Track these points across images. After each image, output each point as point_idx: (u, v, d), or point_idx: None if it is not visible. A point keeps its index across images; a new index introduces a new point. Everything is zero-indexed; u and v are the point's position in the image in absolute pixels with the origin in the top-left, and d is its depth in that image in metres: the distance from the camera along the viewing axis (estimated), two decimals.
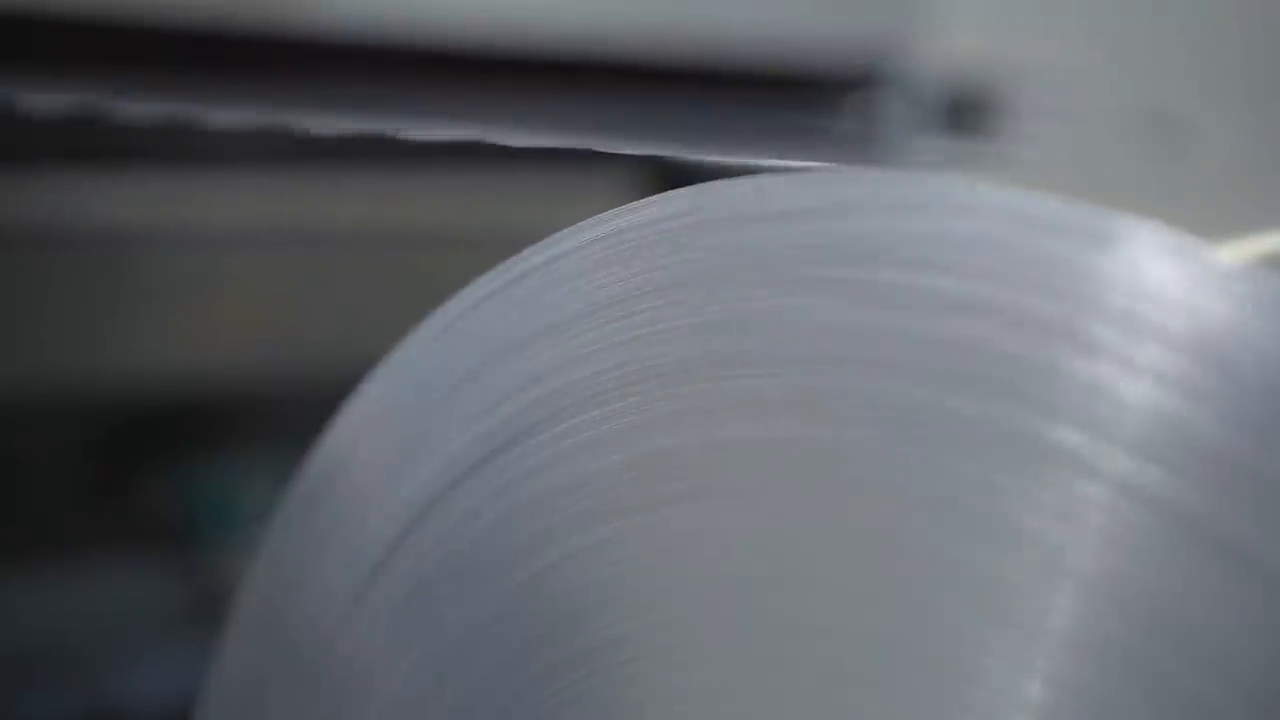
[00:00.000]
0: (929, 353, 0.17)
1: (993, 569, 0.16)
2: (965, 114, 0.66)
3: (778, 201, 0.18)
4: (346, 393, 0.21)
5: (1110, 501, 0.16)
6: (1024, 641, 0.16)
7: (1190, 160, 0.65)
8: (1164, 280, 0.16)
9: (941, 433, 0.17)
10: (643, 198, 0.19)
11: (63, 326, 0.52)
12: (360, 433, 0.21)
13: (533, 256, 0.19)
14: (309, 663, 0.21)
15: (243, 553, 0.54)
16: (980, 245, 0.17)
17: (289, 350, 0.57)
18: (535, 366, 0.19)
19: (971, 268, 0.17)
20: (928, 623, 0.17)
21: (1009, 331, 0.16)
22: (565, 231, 0.19)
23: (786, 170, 0.18)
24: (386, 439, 0.20)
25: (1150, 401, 0.16)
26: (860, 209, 0.17)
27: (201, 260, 0.54)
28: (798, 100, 0.62)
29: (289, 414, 0.54)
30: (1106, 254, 0.16)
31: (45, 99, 0.39)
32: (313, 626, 0.21)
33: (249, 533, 0.54)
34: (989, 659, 0.17)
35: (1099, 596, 0.16)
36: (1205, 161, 0.65)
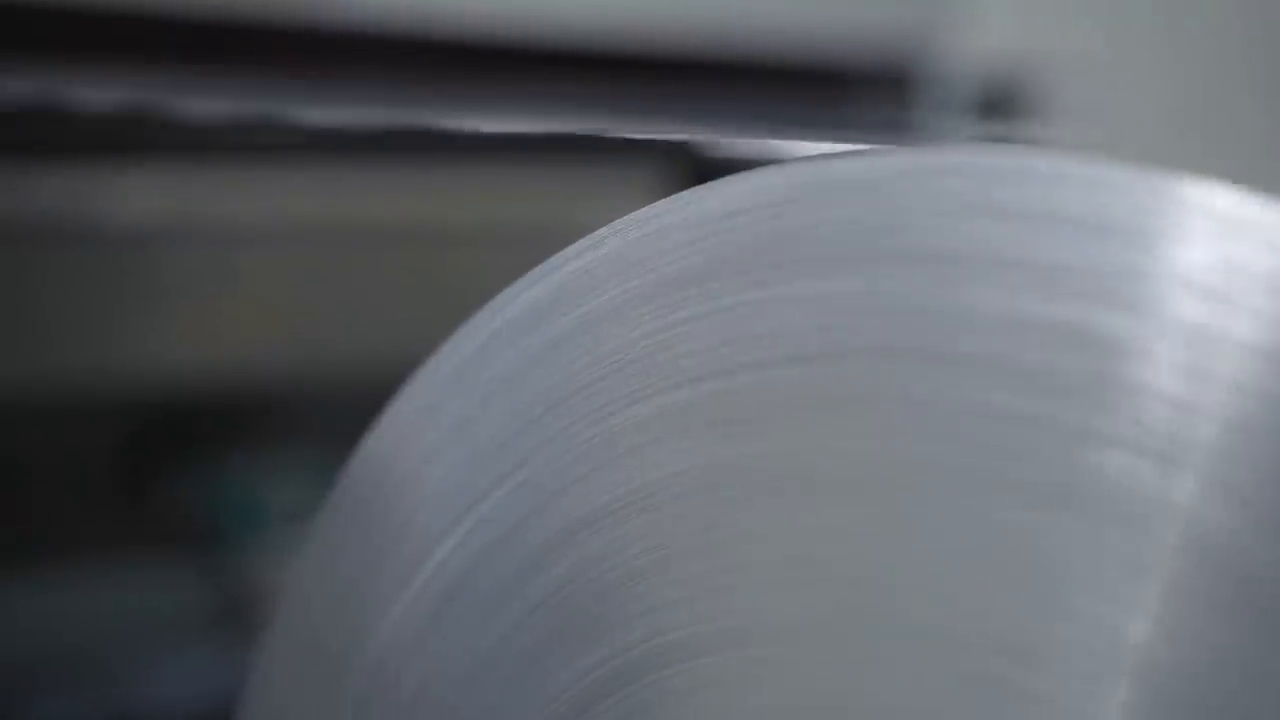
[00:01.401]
0: (985, 336, 0.16)
1: (1068, 569, 0.16)
2: (999, 106, 0.65)
3: (816, 187, 0.17)
4: (374, 392, 0.21)
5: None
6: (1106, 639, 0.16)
7: (1226, 152, 0.64)
8: (1236, 248, 0.15)
9: (1020, 428, 0.16)
10: (678, 191, 0.18)
11: (85, 325, 0.52)
12: (400, 435, 0.20)
13: (580, 252, 0.19)
14: (348, 667, 0.21)
15: (267, 555, 0.54)
16: (1042, 224, 0.16)
17: (313, 349, 0.56)
18: (583, 364, 0.19)
19: (1027, 247, 0.16)
20: (992, 618, 0.16)
21: (1088, 309, 0.16)
22: (611, 225, 0.19)
23: (824, 155, 0.18)
24: (426, 442, 0.20)
25: (1234, 372, 0.15)
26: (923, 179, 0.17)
27: (228, 257, 0.54)
28: (832, 93, 0.62)
29: (313, 413, 0.54)
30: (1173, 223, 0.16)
31: (70, 94, 0.39)
32: (353, 630, 0.21)
33: (272, 534, 0.54)
34: (1059, 667, 0.16)
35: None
36: (1242, 153, 0.64)
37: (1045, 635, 0.16)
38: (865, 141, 0.59)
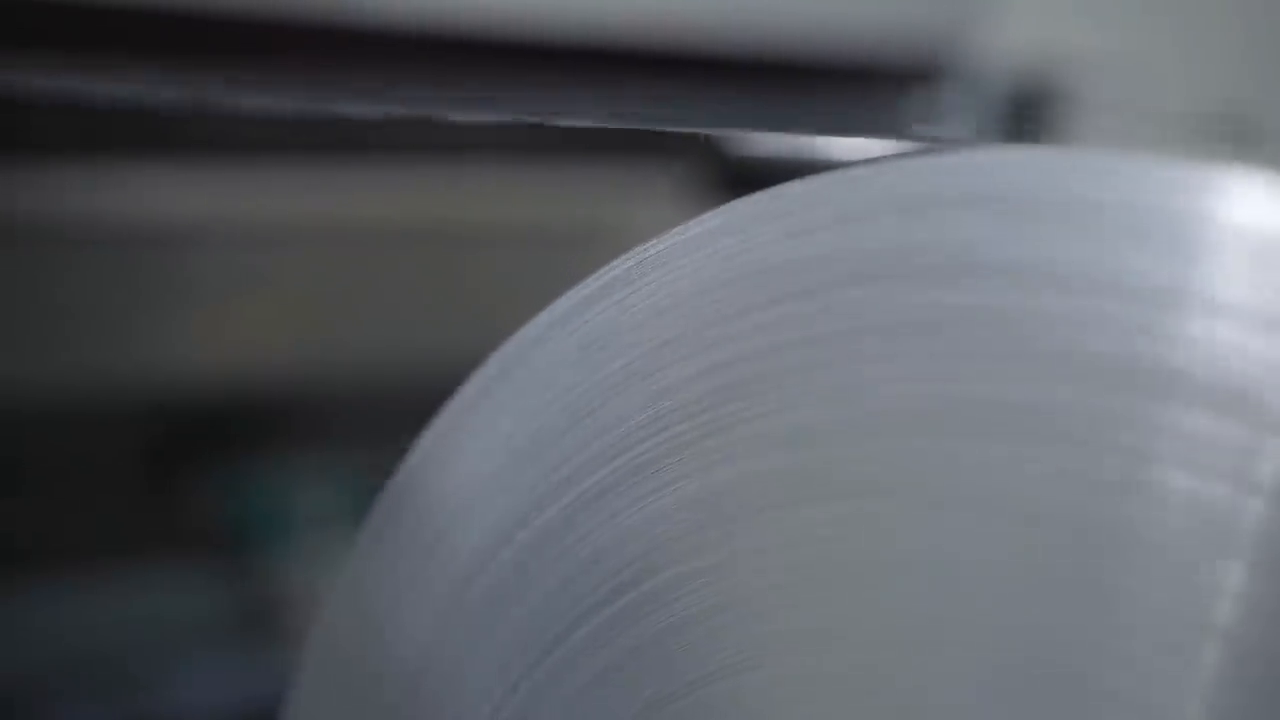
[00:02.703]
0: (1042, 334, 0.16)
1: (1134, 579, 0.16)
2: (1027, 108, 0.65)
3: (878, 197, 0.17)
4: (399, 395, 0.20)
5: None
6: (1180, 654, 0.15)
7: (1256, 152, 0.64)
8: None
9: (1079, 433, 0.16)
10: (707, 191, 0.18)
11: (110, 329, 0.52)
12: (450, 450, 0.20)
13: (633, 262, 0.18)
14: (390, 686, 0.20)
15: (291, 561, 0.54)
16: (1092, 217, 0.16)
17: (341, 352, 0.56)
18: (640, 375, 0.18)
19: (1080, 245, 0.16)
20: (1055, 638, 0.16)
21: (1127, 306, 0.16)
22: (662, 235, 0.18)
23: (859, 165, 0.18)
24: (477, 456, 0.19)
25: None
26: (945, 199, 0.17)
27: (253, 257, 0.54)
28: (859, 93, 0.62)
29: (339, 419, 0.53)
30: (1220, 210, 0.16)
31: (91, 91, 0.39)
32: (395, 646, 0.20)
33: (296, 539, 0.54)
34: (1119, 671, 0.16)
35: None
36: (1271, 153, 0.64)
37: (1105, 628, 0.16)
38: (895, 139, 0.58)
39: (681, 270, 0.18)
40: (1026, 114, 0.65)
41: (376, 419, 0.21)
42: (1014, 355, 0.16)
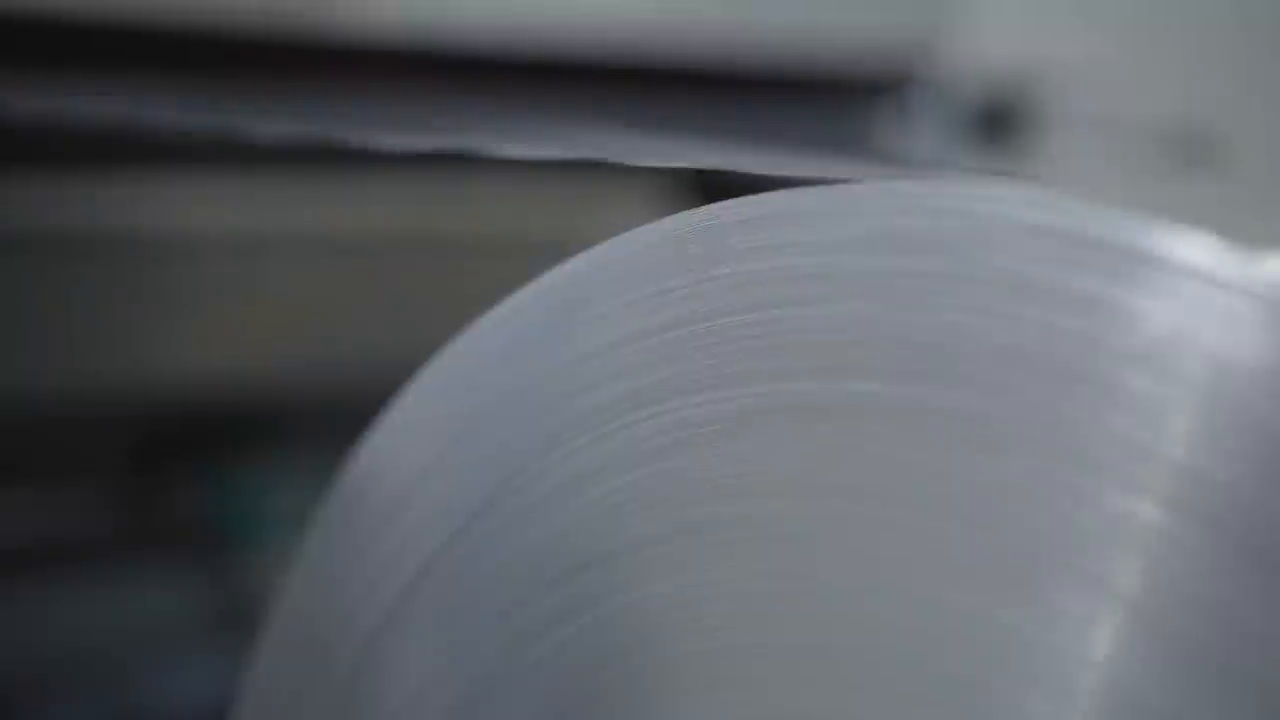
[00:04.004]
0: (972, 360, 0.17)
1: (1041, 582, 0.16)
2: (997, 120, 0.65)
3: (822, 217, 0.18)
4: (380, 400, 0.21)
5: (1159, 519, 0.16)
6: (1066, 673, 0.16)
7: (1226, 170, 0.64)
8: (1209, 298, 0.16)
9: (981, 443, 0.17)
10: (675, 202, 0.19)
11: (95, 333, 0.52)
12: (397, 442, 0.21)
13: (574, 266, 0.19)
14: (345, 675, 0.21)
15: (274, 559, 0.54)
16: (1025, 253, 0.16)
17: (322, 357, 0.56)
18: (580, 376, 0.19)
19: (1015, 276, 0.16)
20: (974, 635, 0.17)
21: (1054, 343, 0.16)
22: (605, 242, 0.19)
23: (807, 180, 0.18)
24: (424, 448, 0.20)
25: (1194, 422, 0.16)
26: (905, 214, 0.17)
27: (237, 266, 0.54)
28: (828, 105, 0.62)
29: (321, 421, 0.54)
30: (1152, 271, 0.16)
31: (81, 105, 0.39)
32: (350, 638, 0.21)
33: (280, 539, 0.54)
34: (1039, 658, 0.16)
35: (1147, 618, 0.16)
36: (1241, 171, 0.64)
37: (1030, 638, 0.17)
38: (860, 155, 0.59)
39: (618, 277, 0.19)
40: (997, 125, 0.65)
41: (360, 423, 0.21)
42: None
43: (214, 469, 0.56)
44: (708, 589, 0.18)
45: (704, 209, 0.19)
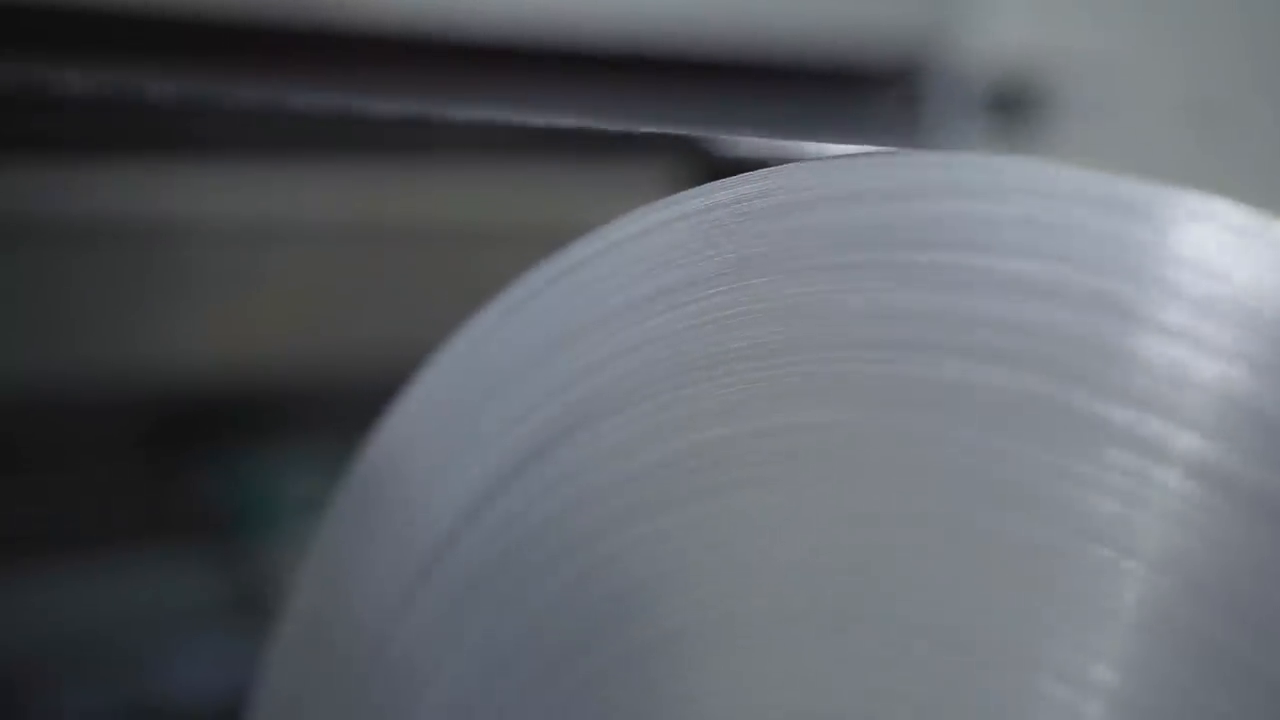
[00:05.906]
0: (994, 336, 0.17)
1: (1058, 553, 0.16)
2: (1010, 105, 0.65)
3: (834, 186, 0.18)
4: (391, 387, 0.21)
5: (1181, 484, 0.16)
6: (1090, 625, 0.16)
7: (1236, 151, 0.64)
8: (1231, 257, 0.16)
9: (1006, 417, 0.16)
10: (688, 188, 0.19)
11: (107, 319, 0.52)
12: (411, 429, 0.21)
13: (583, 249, 0.19)
14: (358, 662, 0.21)
15: (286, 547, 0.54)
16: (1046, 226, 0.16)
17: (333, 343, 0.57)
18: (587, 360, 0.19)
19: (1036, 249, 0.16)
20: (991, 608, 0.17)
21: (1076, 313, 0.16)
22: (613, 223, 0.19)
23: (830, 157, 0.18)
24: (437, 435, 0.20)
25: (1220, 381, 0.15)
26: (921, 192, 0.17)
27: (247, 253, 0.54)
28: (842, 91, 0.62)
29: (333, 407, 0.54)
30: (1172, 232, 0.16)
31: (96, 89, 0.39)
32: (363, 625, 0.21)
33: (292, 526, 0.54)
34: (1052, 643, 0.16)
35: (1170, 580, 0.16)
36: (1252, 152, 0.64)
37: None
38: (874, 141, 0.59)
39: (617, 262, 0.19)
40: (1008, 113, 0.65)
41: (371, 410, 0.21)
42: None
43: (225, 455, 0.56)
44: (722, 567, 0.18)
45: (710, 184, 0.19)
